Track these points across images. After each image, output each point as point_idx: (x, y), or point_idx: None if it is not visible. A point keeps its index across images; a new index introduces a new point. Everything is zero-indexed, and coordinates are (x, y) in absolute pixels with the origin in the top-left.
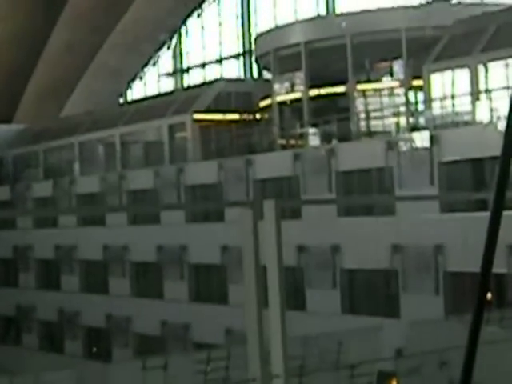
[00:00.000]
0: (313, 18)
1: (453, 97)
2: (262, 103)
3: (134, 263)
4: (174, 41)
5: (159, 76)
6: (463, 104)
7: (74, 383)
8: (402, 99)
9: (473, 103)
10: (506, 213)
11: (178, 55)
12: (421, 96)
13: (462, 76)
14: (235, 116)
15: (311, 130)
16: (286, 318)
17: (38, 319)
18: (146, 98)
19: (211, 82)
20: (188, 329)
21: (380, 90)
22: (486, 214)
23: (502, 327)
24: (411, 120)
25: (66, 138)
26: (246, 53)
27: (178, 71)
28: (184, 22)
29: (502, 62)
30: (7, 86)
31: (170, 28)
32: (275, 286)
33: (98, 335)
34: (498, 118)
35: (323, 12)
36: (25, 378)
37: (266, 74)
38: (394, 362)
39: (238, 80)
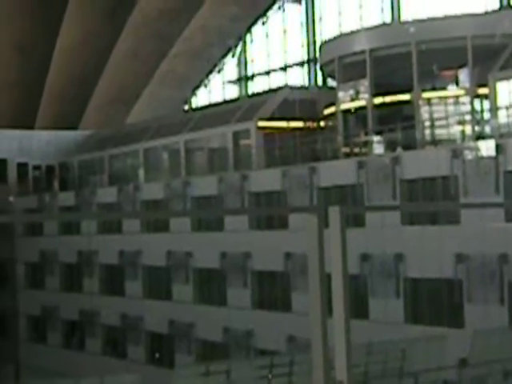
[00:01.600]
0: (378, 26)
1: None
2: (327, 111)
3: (198, 270)
4: (239, 48)
5: (224, 83)
6: None
7: None
8: (468, 107)
9: None
10: None
11: (242, 62)
12: (486, 104)
13: None
14: (299, 124)
15: (375, 138)
16: (350, 326)
17: (102, 324)
18: (210, 105)
19: (276, 90)
20: (251, 335)
21: (445, 98)
22: None
23: None
24: (477, 128)
25: (131, 145)
26: (310, 60)
27: (243, 78)
28: (249, 30)
29: None
30: (73, 92)
31: (234, 35)
32: (340, 295)
33: (160, 341)
34: None
35: (388, 19)
36: (90, 380)
37: (331, 82)
38: (458, 372)
39: (302, 87)
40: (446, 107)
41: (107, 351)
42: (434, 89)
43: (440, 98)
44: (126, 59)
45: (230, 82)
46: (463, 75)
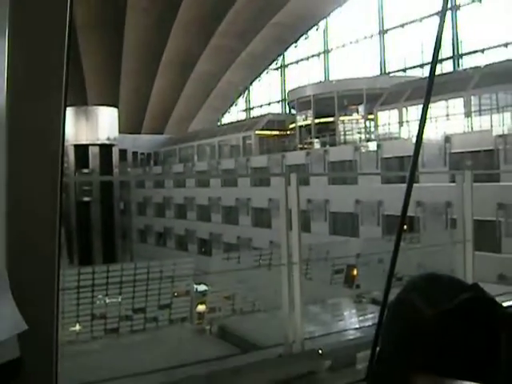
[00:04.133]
0: (317, 82)
1: (389, 124)
2: (291, 126)
3: (224, 206)
4: (246, 93)
5: (238, 112)
6: (395, 128)
7: (193, 265)
8: (363, 125)
9: (399, 128)
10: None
11: (248, 100)
12: (372, 124)
13: (394, 113)
14: (277, 132)
15: (315, 140)
16: (300, 235)
17: (175, 233)
18: (231, 123)
19: (265, 115)
20: (250, 240)
21: (351, 120)
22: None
23: (406, 243)
24: (367, 136)
25: (190, 143)
26: (283, 100)
27: (248, 109)
28: (251, 83)
29: (415, 107)
30: (162, 114)
31: (244, 86)
32: (296, 220)
33: (205, 242)
34: (412, 136)
35: (323, 79)
36: (168, 261)
37: (293, 111)
38: (355, 260)
39: (278, 114)
40: (352, 125)
41: (178, 248)
42: (345, 115)
43: (349, 120)
44: (189, 98)
45: (241, 110)
46: (361, 108)
